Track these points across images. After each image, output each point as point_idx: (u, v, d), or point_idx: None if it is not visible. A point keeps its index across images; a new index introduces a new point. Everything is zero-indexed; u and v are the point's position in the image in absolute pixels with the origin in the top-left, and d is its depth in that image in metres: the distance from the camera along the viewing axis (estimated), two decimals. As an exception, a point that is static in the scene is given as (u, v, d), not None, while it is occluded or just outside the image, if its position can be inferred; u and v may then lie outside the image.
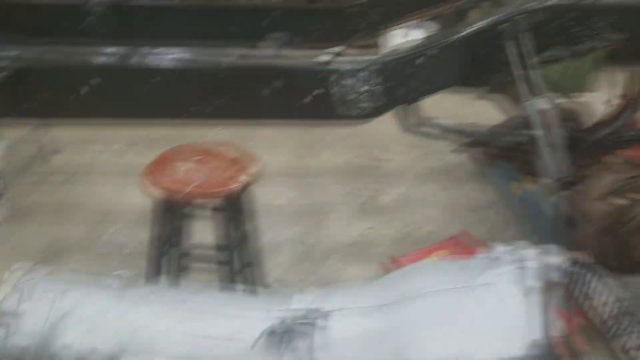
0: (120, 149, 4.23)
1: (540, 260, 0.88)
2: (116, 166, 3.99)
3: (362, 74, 2.23)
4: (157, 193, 2.11)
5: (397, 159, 4.28)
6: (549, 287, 0.85)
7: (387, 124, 4.59)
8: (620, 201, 1.99)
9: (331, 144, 4.46)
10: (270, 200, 3.65)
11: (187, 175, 2.20)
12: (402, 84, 2.25)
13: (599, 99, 2.87)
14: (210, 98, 2.36)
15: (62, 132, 4.33)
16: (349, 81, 2.22)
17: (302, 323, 0.92)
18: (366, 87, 2.22)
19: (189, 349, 0.92)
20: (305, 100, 2.31)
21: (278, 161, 4.19)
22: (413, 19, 3.27)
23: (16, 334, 0.93)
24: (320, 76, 2.21)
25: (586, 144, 2.32)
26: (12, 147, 3.79)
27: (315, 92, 2.27)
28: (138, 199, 3.59)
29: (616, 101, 2.48)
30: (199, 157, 2.31)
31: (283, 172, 4.05)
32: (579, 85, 3.98)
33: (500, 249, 0.97)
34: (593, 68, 4.94)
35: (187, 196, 2.14)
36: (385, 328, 0.88)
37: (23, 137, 3.94)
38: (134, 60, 2.24)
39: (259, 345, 0.90)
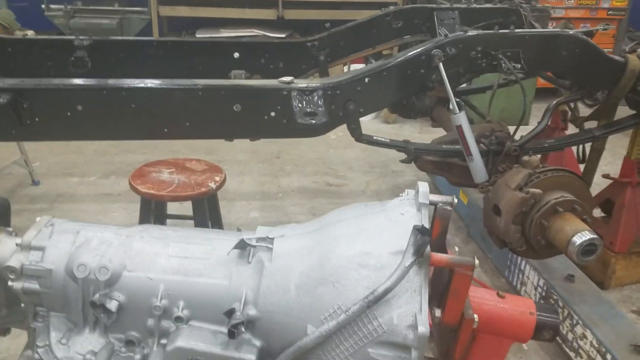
0: (96, 180, 4.49)
1: (426, 193, 1.24)
2: (94, 196, 4.23)
3: (315, 94, 2.59)
4: (142, 192, 2.43)
5: (357, 179, 4.65)
6: (432, 206, 1.21)
7: (350, 149, 4.99)
8: (530, 191, 2.37)
9: (296, 169, 4.81)
10: (237, 218, 3.95)
11: (164, 181, 2.54)
12: (346, 103, 2.63)
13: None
14: (186, 118, 2.68)
15: (41, 164, 4.59)
16: (301, 100, 2.58)
17: (260, 244, 1.25)
18: (315, 106, 2.58)
19: (175, 265, 1.23)
20: (270, 116, 2.65)
21: (246, 184, 4.51)
22: (359, 56, 3.72)
23: (43, 260, 1.23)
24: (282, 94, 2.56)
25: (510, 151, 2.72)
26: (-5, 177, 4.03)
27: (278, 108, 2.62)
28: (117, 221, 3.87)
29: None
30: (172, 169, 2.64)
31: (250, 194, 4.36)
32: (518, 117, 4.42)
33: (404, 194, 1.33)
34: (528, 102, 5.48)
35: (164, 197, 2.47)
36: (313, 243, 1.22)
37: (5, 168, 4.18)
38: (115, 88, 2.56)
39: (232, 255, 1.23)
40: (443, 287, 1.21)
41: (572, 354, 2.58)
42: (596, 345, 2.42)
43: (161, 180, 2.56)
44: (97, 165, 4.69)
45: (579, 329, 2.53)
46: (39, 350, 1.24)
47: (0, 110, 2.47)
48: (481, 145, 2.78)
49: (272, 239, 1.26)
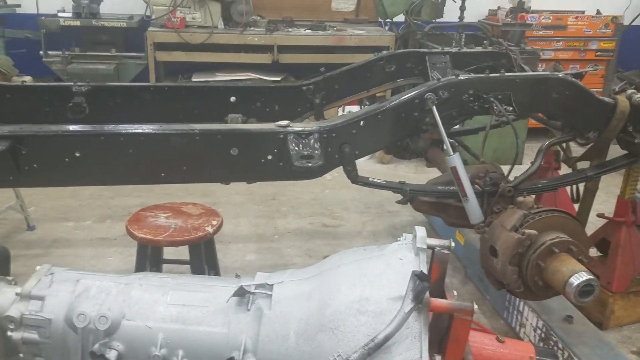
0: (91, 224, 4.48)
1: (424, 238, 1.26)
2: (89, 240, 4.22)
3: (312, 137, 2.63)
4: (139, 237, 2.43)
5: (354, 219, 4.66)
6: (429, 250, 1.22)
7: (345, 190, 5.01)
8: (526, 232, 2.39)
9: (292, 210, 4.82)
10: (233, 261, 3.93)
11: (161, 226, 2.55)
12: (342, 146, 2.67)
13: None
14: (183, 162, 2.71)
15: (36, 209, 4.58)
16: (301, 142, 2.61)
17: (258, 291, 1.26)
18: (311, 149, 2.62)
19: (174, 314, 1.23)
20: (266, 159, 2.68)
21: (242, 226, 4.51)
22: (353, 99, 3.79)
23: (43, 310, 1.23)
24: (279, 137, 2.59)
25: (505, 192, 2.75)
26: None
27: (275, 152, 2.65)
28: (112, 266, 3.84)
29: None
30: (169, 213, 2.65)
31: (246, 236, 4.36)
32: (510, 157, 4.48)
33: (402, 238, 1.35)
34: (521, 142, 5.56)
35: (160, 242, 2.48)
36: (312, 289, 1.23)
37: (0, 212, 4.17)
38: (113, 134, 2.59)
39: (231, 302, 1.23)
40: (442, 332, 1.22)
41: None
42: (598, 388, 2.40)
43: (158, 225, 2.57)
44: (93, 209, 4.69)
45: (580, 372, 2.51)
46: (37, 403, 1.23)
47: (-1, 156, 2.49)
48: (476, 186, 2.81)
49: (271, 285, 1.27)
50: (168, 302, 1.24)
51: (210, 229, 2.60)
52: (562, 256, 2.37)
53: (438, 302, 1.13)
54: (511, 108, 2.77)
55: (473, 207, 2.70)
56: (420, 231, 1.26)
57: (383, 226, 4.59)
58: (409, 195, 2.88)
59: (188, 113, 3.48)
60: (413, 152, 3.93)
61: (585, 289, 2.23)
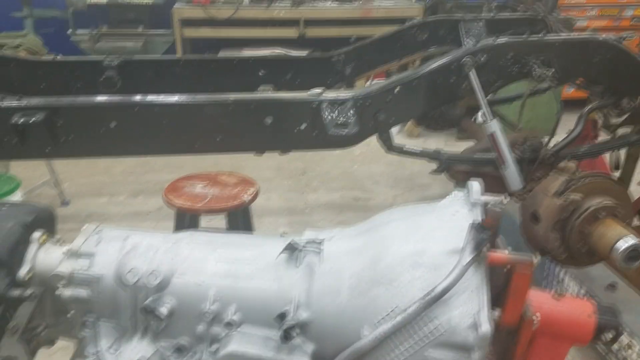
0: (124, 199, 4.53)
1: (479, 191, 1.22)
2: (123, 215, 4.27)
3: (342, 106, 2.59)
4: (177, 205, 2.43)
5: (384, 193, 4.63)
6: (484, 205, 1.18)
7: (375, 164, 4.98)
8: (570, 197, 2.32)
9: (322, 185, 4.80)
10: (267, 232, 3.94)
11: (198, 194, 2.55)
12: (376, 114, 2.62)
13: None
14: (217, 132, 2.70)
15: (70, 185, 4.64)
16: (332, 111, 2.58)
17: (308, 247, 1.23)
18: (346, 117, 2.58)
19: (224, 270, 1.21)
20: (300, 128, 2.65)
21: (273, 200, 4.51)
22: (384, 69, 3.73)
23: (92, 267, 1.23)
24: (312, 106, 2.56)
25: (545, 158, 2.69)
26: (26, 198, 4.08)
27: (309, 120, 2.62)
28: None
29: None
30: (205, 182, 2.65)
31: (277, 210, 4.36)
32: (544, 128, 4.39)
33: (452, 195, 1.31)
34: (557, 112, 5.44)
35: (199, 210, 2.47)
36: (363, 244, 1.20)
37: (35, 188, 4.23)
38: (147, 104, 2.59)
39: (281, 258, 1.21)
40: (497, 288, 1.18)
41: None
42: (643, 356, 2.35)
43: (195, 193, 2.56)
44: (125, 185, 4.73)
45: (624, 339, 2.46)
46: (89, 358, 1.23)
47: (35, 128, 2.50)
48: (514, 153, 2.74)
49: (321, 241, 1.25)
50: (217, 259, 1.23)
51: (247, 197, 2.59)
52: (608, 221, 2.30)
53: (497, 254, 1.10)
54: (552, 72, 2.68)
55: (512, 174, 2.64)
56: (475, 185, 1.22)
57: (414, 199, 4.54)
58: (445, 163, 2.82)
59: (218, 86, 3.45)
60: (445, 123, 3.86)
61: (631, 254, 2.16)
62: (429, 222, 1.18)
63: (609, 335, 1.20)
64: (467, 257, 1.05)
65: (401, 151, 2.76)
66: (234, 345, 1.16)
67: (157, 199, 4.47)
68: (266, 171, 5.03)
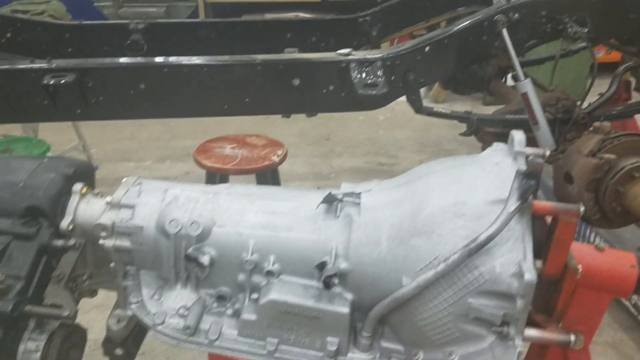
0: (152, 164, 4.57)
1: (522, 141, 1.19)
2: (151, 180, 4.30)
3: (371, 66, 2.55)
4: (208, 166, 2.44)
5: (410, 158, 4.59)
6: (523, 156, 1.16)
7: (400, 130, 4.93)
8: (604, 156, 2.28)
9: (346, 150, 4.79)
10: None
11: (228, 155, 2.56)
12: (406, 74, 2.58)
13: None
14: (245, 94, 2.69)
15: (97, 150, 4.70)
16: (360, 72, 2.54)
17: (347, 199, 1.23)
18: (375, 77, 2.54)
19: (264, 221, 1.22)
20: (328, 89, 2.63)
21: (298, 165, 4.51)
22: (411, 30, 3.66)
23: (134, 218, 1.24)
24: (341, 66, 2.53)
25: (579, 118, 2.63)
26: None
27: (337, 81, 2.59)
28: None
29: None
30: (234, 144, 2.66)
31: (302, 175, 4.37)
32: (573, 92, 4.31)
33: (493, 146, 1.29)
34: (587, 73, 5.31)
35: (229, 171, 2.48)
36: (403, 196, 1.19)
37: (64, 153, 4.29)
38: (176, 65, 2.58)
39: (319, 210, 1.21)
40: (538, 239, 1.16)
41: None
42: (676, 317, 2.33)
43: (225, 155, 2.57)
44: (152, 150, 4.77)
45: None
46: (132, 306, 1.25)
47: (66, 89, 2.52)
48: (547, 114, 2.69)
49: (359, 193, 1.24)
50: (256, 210, 1.23)
51: (276, 158, 2.59)
52: (640, 181, 2.25)
53: (542, 203, 1.08)
54: (586, 31, 2.61)
55: (545, 135, 2.59)
56: (518, 134, 1.20)
57: (440, 164, 4.51)
58: (476, 124, 2.78)
59: (243, 49, 3.43)
60: (473, 86, 3.79)
61: (668, 214, 2.12)
62: (471, 172, 1.17)
63: (653, 287, 1.18)
64: (513, 204, 1.04)
65: (431, 112, 2.73)
66: (275, 293, 1.17)
67: (183, 164, 4.51)
68: (290, 137, 5.02)
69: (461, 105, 5.68)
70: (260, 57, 2.57)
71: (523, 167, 1.11)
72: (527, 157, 1.20)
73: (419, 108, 2.71)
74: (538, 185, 1.22)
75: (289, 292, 1.18)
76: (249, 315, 1.21)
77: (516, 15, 2.55)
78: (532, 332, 1.09)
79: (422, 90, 4.81)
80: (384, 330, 1.23)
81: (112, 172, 4.36)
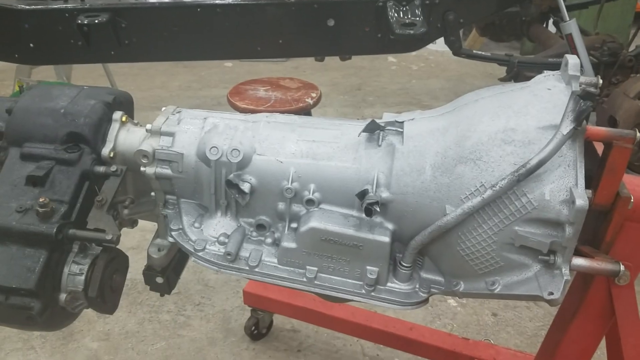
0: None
1: (577, 65, 1.14)
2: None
3: (413, 4, 2.47)
4: (241, 108, 2.43)
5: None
6: (576, 81, 1.10)
7: (433, 79, 4.83)
8: (653, 99, 2.19)
9: (378, 100, 4.71)
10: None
11: (261, 97, 2.53)
12: (445, 14, 2.49)
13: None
14: (279, 35, 2.64)
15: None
16: (398, 12, 2.47)
17: (390, 127, 1.20)
18: (413, 17, 2.46)
19: (304, 149, 1.20)
20: (364, 30, 2.56)
21: (329, 115, 4.47)
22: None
23: (174, 145, 1.24)
24: (378, 4, 2.46)
25: (625, 61, 2.53)
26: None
27: (373, 21, 2.52)
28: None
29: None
30: (268, 87, 2.62)
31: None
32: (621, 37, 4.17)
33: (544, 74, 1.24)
34: (629, 21, 5.08)
35: (263, 112, 2.46)
36: (448, 123, 1.15)
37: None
38: (209, 5, 2.54)
39: (361, 138, 1.18)
40: (588, 169, 1.12)
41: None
42: None
43: (258, 97, 2.55)
44: (183, 99, 4.78)
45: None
46: (173, 233, 1.26)
47: (100, 29, 2.51)
48: (591, 57, 2.59)
49: (402, 122, 1.21)
50: (297, 139, 1.21)
51: (310, 100, 2.56)
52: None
53: (595, 128, 1.04)
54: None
55: (589, 76, 2.50)
56: (573, 58, 1.14)
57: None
58: (517, 68, 2.70)
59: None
60: (512, 31, 3.67)
61: None
62: (521, 98, 1.12)
63: None
64: (567, 127, 1.00)
65: (470, 54, 2.65)
66: (315, 221, 1.16)
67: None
68: (322, 87, 4.94)
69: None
70: (293, -5, 2.51)
71: (578, 90, 1.06)
72: (582, 83, 1.15)
73: (457, 50, 2.63)
74: (592, 110, 1.17)
75: (329, 220, 1.17)
76: (288, 243, 1.20)
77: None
78: (580, 261, 1.06)
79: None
80: (424, 261, 1.22)
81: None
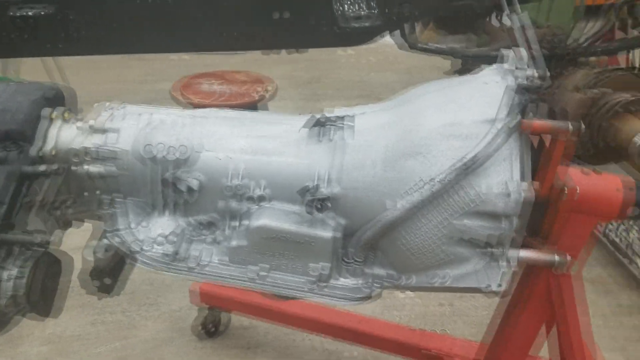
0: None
1: (515, 60, 1.17)
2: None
3: (362, -3, 2.47)
4: (189, 102, 2.38)
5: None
6: (518, 74, 1.13)
7: (391, 72, 4.86)
8: (592, 91, 2.25)
9: (337, 92, 4.72)
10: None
11: (211, 91, 2.49)
12: (396, 6, 2.50)
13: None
14: (229, 27, 2.60)
15: (82, 93, 4.59)
16: (350, 3, 2.46)
17: (334, 121, 1.21)
18: (364, 9, 2.47)
19: (254, 145, 1.18)
20: (318, 22, 2.54)
21: (287, 108, 4.45)
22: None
23: (119, 142, 1.21)
24: (326, -1, 2.44)
25: (567, 53, 2.59)
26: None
27: (328, 13, 2.50)
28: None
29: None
30: (220, 80, 2.59)
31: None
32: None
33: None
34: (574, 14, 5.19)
35: (212, 106, 2.42)
36: (397, 117, 1.17)
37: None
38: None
39: (312, 133, 1.18)
40: (536, 158, 1.14)
41: (626, 261, 2.55)
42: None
43: (212, 90, 2.51)
44: (139, 93, 4.69)
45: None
46: (120, 232, 1.23)
47: (47, 21, 2.43)
48: (543, 50, 2.64)
49: (353, 116, 1.21)
50: (246, 134, 1.20)
51: (264, 94, 2.53)
52: (627, 116, 2.23)
53: (531, 121, 1.05)
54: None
55: (539, 68, 2.55)
56: (511, 53, 1.16)
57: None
58: (470, 62, 2.73)
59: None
60: (468, 24, 3.71)
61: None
62: (465, 92, 1.14)
63: (636, 210, 1.18)
64: (500, 122, 1.02)
65: (425, 49, 2.67)
66: (266, 218, 1.15)
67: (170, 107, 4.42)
68: (278, 80, 4.91)
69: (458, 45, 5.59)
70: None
71: (512, 84, 1.08)
72: (518, 77, 1.17)
73: (413, 43, 2.65)
74: (530, 103, 1.19)
75: (279, 217, 1.16)
76: (239, 241, 1.19)
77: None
78: (519, 253, 1.09)
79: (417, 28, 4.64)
80: (377, 255, 1.22)
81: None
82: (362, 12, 2.44)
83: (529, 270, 1.24)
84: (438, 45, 2.70)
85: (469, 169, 1.03)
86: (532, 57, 2.53)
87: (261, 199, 1.17)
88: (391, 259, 1.20)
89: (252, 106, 2.57)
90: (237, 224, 1.21)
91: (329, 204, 1.14)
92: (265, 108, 2.75)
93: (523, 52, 1.16)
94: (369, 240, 1.14)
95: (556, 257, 1.09)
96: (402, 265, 1.18)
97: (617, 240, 2.71)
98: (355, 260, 1.19)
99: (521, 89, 1.05)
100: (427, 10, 2.63)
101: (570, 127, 1.05)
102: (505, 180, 1.04)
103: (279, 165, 1.18)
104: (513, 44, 2.66)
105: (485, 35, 3.85)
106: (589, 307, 2.51)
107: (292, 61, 5.00)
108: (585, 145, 2.34)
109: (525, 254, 1.09)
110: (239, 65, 4.90)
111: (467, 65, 2.83)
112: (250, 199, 1.18)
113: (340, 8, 2.40)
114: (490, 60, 2.76)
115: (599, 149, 2.30)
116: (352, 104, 4.11)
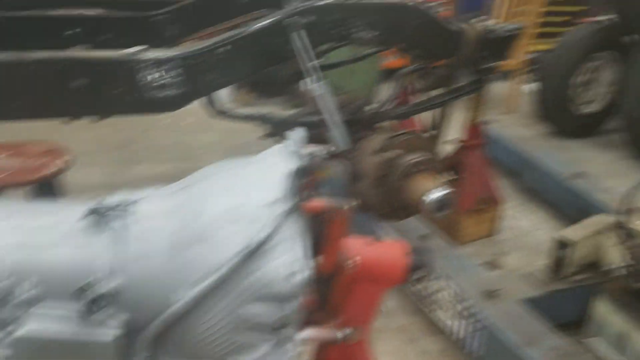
0: None
1: (297, 141, 1.21)
2: None
3: (165, 66, 2.45)
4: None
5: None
6: (299, 155, 1.17)
7: (207, 133, 4.83)
8: (387, 154, 2.47)
9: (150, 156, 4.57)
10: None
11: (-2, 165, 2.26)
12: (202, 75, 2.52)
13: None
14: (19, 96, 2.40)
15: None
16: (154, 71, 2.43)
17: (116, 209, 1.13)
18: (170, 78, 2.45)
19: (17, 239, 1.06)
20: (118, 91, 2.45)
21: (94, 175, 4.19)
22: (211, 31, 3.60)
23: None
24: (128, 67, 2.38)
25: (365, 119, 2.81)
26: None
27: (124, 82, 2.43)
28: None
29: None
30: (9, 152, 2.36)
31: (98, 185, 4.05)
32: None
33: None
34: (375, 78, 5.71)
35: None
36: (182, 202, 1.13)
37: None
38: None
39: (89, 222, 1.09)
40: (318, 236, 1.18)
41: (427, 310, 2.75)
42: (454, 295, 2.60)
43: (-6, 165, 2.27)
44: None
45: (434, 285, 2.70)
46: None
47: None
48: (342, 114, 2.82)
49: (135, 201, 1.15)
50: (12, 228, 1.07)
51: (54, 168, 2.33)
52: (419, 175, 2.47)
53: (313, 202, 1.10)
54: (372, 36, 2.78)
55: (340, 135, 2.72)
56: (295, 134, 1.21)
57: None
58: (275, 127, 2.83)
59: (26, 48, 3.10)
60: (279, 88, 3.87)
61: (440, 204, 2.36)
62: (249, 174, 1.15)
63: (421, 273, 1.27)
64: (282, 207, 1.04)
65: (228, 115, 2.71)
66: (31, 324, 1.03)
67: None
68: (86, 143, 4.63)
69: (271, 109, 5.77)
70: (35, 54, 2.32)
71: (294, 166, 1.12)
72: (308, 154, 1.22)
73: (217, 110, 2.67)
74: (320, 182, 1.24)
75: (50, 321, 1.04)
76: (4, 351, 1.05)
77: (307, 18, 2.63)
78: (304, 334, 1.10)
79: (230, 93, 4.79)
80: (168, 346, 1.16)
81: None
82: (166, 81, 2.41)
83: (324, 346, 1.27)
84: (246, 112, 2.76)
85: (253, 253, 1.03)
86: (331, 124, 2.69)
87: (30, 302, 1.05)
88: (183, 350, 1.14)
89: (46, 182, 2.37)
90: (6, 330, 1.06)
91: (110, 301, 1.05)
92: (58, 183, 2.55)
93: (301, 131, 1.21)
94: (156, 335, 1.07)
95: (338, 334, 1.12)
96: (195, 356, 1.13)
97: (418, 290, 2.93)
98: (145, 355, 1.11)
99: (300, 171, 1.08)
100: (229, 79, 2.68)
101: (345, 206, 1.11)
102: (289, 261, 1.05)
103: (52, 260, 1.07)
104: (317, 111, 2.83)
105: (300, 98, 4.06)
106: (396, 356, 2.67)
107: (102, 124, 4.73)
108: (382, 205, 2.53)
109: (309, 333, 1.11)
110: (45, 127, 4.52)
111: (277, 129, 2.92)
112: (19, 301, 1.05)
113: (143, 78, 2.34)
114: (301, 124, 2.91)
115: (395, 207, 2.51)
116: (169, 168, 4.03)
